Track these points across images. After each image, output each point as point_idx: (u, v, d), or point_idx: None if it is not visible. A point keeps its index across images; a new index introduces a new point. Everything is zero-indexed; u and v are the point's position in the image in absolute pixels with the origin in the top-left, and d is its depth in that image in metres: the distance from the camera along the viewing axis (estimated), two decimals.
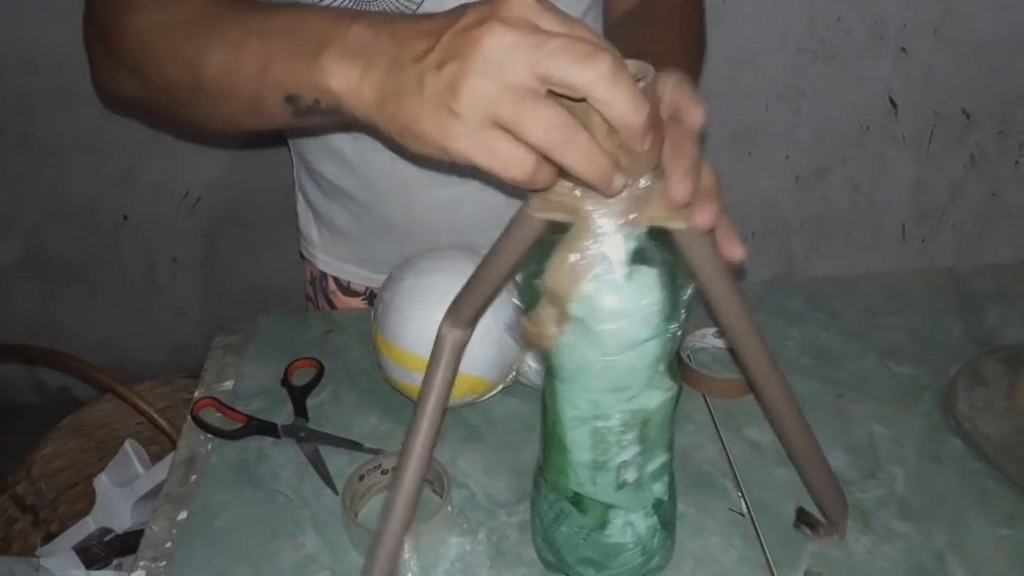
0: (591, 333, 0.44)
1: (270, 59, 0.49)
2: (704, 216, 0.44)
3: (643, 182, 0.42)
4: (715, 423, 0.73)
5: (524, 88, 0.38)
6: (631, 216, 0.42)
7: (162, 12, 0.58)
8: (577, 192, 0.42)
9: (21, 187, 1.74)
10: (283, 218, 1.47)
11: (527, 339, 0.47)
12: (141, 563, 0.64)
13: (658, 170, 0.43)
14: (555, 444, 0.51)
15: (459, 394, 0.71)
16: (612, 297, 0.44)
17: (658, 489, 0.53)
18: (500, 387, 0.74)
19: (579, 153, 0.39)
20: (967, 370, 0.74)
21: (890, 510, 0.64)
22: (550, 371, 0.49)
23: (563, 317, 0.44)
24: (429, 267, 0.71)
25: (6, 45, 1.57)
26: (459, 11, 0.41)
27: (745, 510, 0.64)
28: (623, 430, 0.48)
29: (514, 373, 0.73)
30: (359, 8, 0.63)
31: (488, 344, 0.69)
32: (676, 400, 0.51)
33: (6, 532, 1.03)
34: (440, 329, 0.51)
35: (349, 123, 0.48)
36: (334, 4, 0.63)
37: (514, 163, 0.40)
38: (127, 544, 1.01)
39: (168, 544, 0.66)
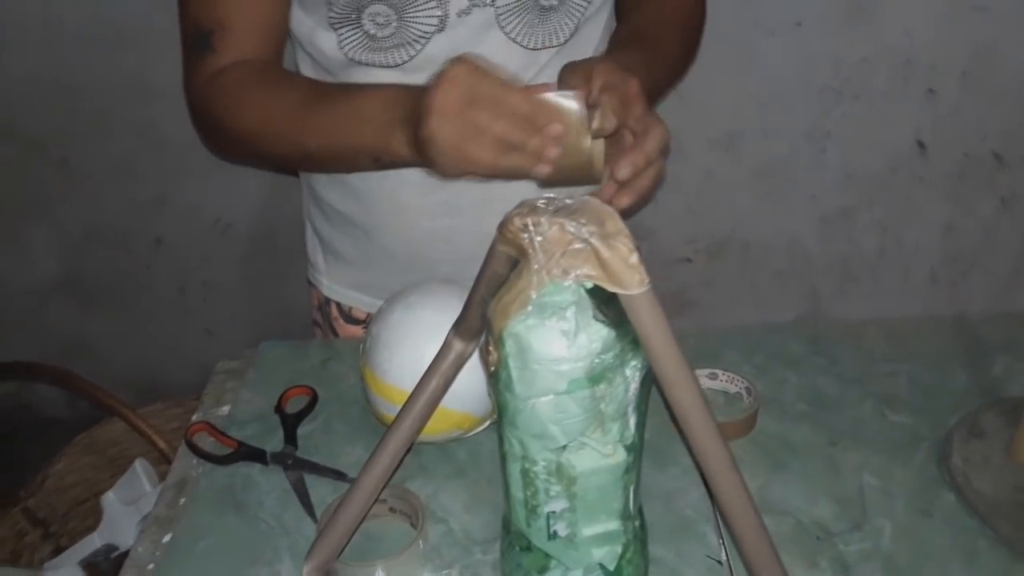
0: (513, 373, 0.45)
1: (356, 138, 0.72)
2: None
3: (584, 238, 0.42)
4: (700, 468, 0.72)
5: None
6: (566, 269, 0.42)
7: (264, 110, 0.76)
8: (525, 236, 0.43)
9: (59, 210, 1.80)
10: None
11: (480, 357, 0.48)
12: None
13: (602, 229, 0.43)
14: (503, 475, 0.51)
15: (445, 429, 0.71)
16: (533, 341, 0.44)
17: (601, 555, 0.52)
18: (487, 423, 0.74)
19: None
20: (965, 422, 0.72)
21: (874, 564, 0.62)
22: (494, 402, 0.50)
23: (497, 346, 0.45)
24: (417, 302, 0.72)
25: (49, 73, 1.63)
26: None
27: (724, 558, 0.63)
28: (548, 479, 0.48)
29: None
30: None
31: (473, 379, 0.69)
32: (628, 471, 0.50)
33: (16, 545, 1.05)
34: (447, 339, 0.54)
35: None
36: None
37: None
38: None
39: (151, 566, 0.67)
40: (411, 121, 0.66)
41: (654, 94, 0.73)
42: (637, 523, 0.54)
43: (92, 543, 1.05)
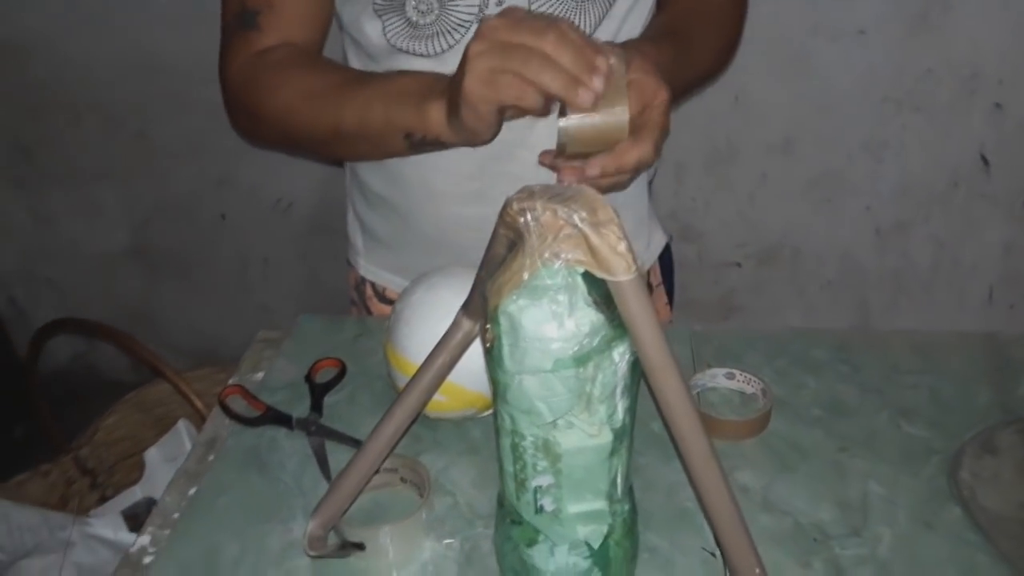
0: (505, 349, 0.47)
1: (391, 112, 0.74)
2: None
3: (575, 224, 0.44)
4: (679, 453, 0.73)
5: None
6: (558, 253, 0.44)
7: (304, 87, 0.78)
8: (521, 219, 0.45)
9: (133, 182, 1.89)
10: None
11: (480, 337, 0.50)
12: (149, 528, 0.70)
13: (593, 217, 0.45)
14: (496, 448, 0.54)
15: (459, 407, 0.74)
16: (524, 320, 0.46)
17: (586, 533, 0.53)
18: None
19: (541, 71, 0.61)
20: (980, 437, 0.72)
21: (867, 570, 0.62)
22: (489, 377, 0.52)
23: (492, 324, 0.47)
24: (439, 282, 0.74)
25: (128, 51, 1.72)
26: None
27: (718, 551, 0.64)
28: (535, 454, 0.50)
29: None
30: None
31: None
32: (614, 453, 0.52)
33: (65, 491, 1.13)
34: (457, 318, 0.57)
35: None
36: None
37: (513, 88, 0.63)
38: None
39: (175, 515, 0.71)
40: (448, 89, 0.67)
41: (678, 91, 0.73)
42: (626, 507, 0.56)
43: (134, 495, 1.12)
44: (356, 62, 0.87)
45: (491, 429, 0.76)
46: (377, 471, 0.60)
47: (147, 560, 0.67)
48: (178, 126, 1.81)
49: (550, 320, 0.47)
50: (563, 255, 0.45)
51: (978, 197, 1.60)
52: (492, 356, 0.49)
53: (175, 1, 1.66)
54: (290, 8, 0.81)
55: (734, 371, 0.81)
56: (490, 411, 0.76)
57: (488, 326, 0.49)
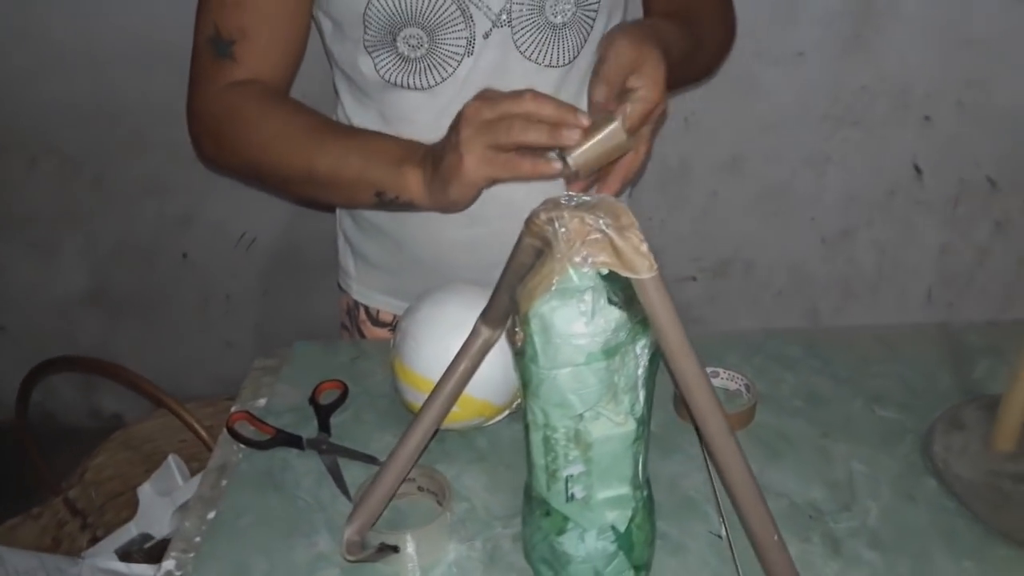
0: (538, 347, 0.51)
1: (367, 168, 0.78)
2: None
3: (601, 229, 0.49)
4: (704, 455, 0.78)
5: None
6: (586, 256, 0.49)
7: (275, 125, 0.81)
8: (549, 228, 0.50)
9: (91, 225, 1.88)
10: (331, 262, 1.57)
11: (507, 337, 0.54)
12: (172, 554, 0.72)
13: (617, 222, 0.50)
14: (526, 444, 0.58)
15: (468, 416, 0.78)
16: (556, 320, 0.51)
17: (613, 518, 0.58)
18: (506, 412, 0.80)
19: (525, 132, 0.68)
20: (947, 415, 0.78)
21: (861, 540, 0.68)
22: (519, 376, 0.56)
23: (523, 326, 0.51)
24: (444, 299, 0.78)
25: (88, 96, 1.72)
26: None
27: (724, 533, 0.69)
28: (567, 445, 0.55)
29: (519, 400, 0.80)
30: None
31: (494, 369, 0.75)
32: (637, 440, 0.56)
33: (57, 533, 1.12)
34: (475, 326, 0.61)
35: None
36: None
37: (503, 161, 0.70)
38: (165, 551, 1.08)
39: (197, 539, 0.73)
40: (430, 161, 0.73)
41: (679, 80, 0.79)
42: (645, 492, 0.61)
43: (128, 532, 1.12)
44: (349, 97, 0.90)
45: (496, 439, 0.81)
46: (408, 475, 0.63)
47: None
48: (137, 168, 1.81)
49: (579, 318, 0.51)
50: (590, 258, 0.50)
51: (914, 204, 1.71)
52: (524, 355, 0.54)
53: (131, 44, 1.67)
54: (265, 39, 0.82)
55: (718, 370, 0.87)
56: (496, 420, 0.80)
57: (518, 329, 0.53)
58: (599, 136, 0.70)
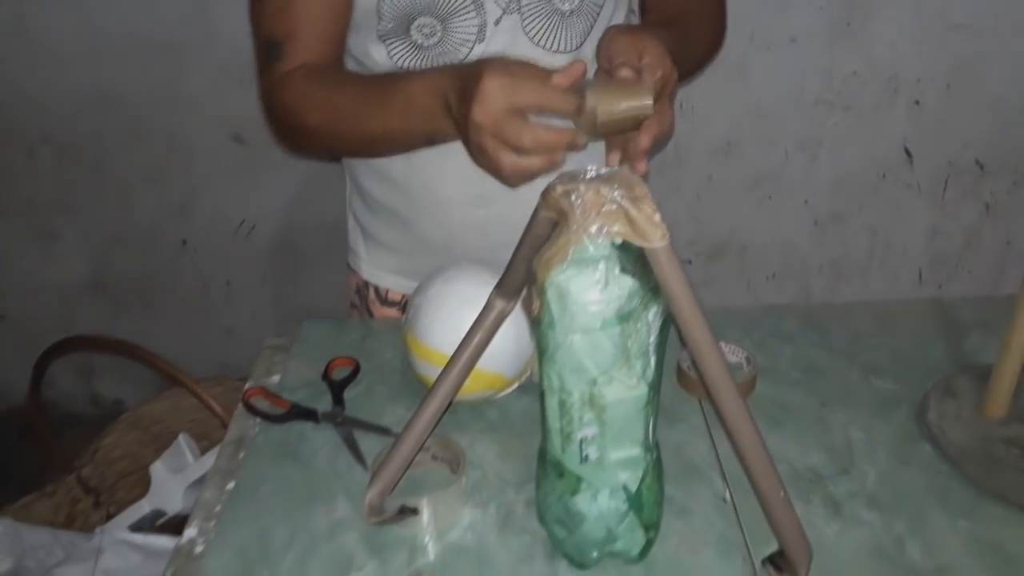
0: (555, 314, 0.54)
1: (414, 126, 0.81)
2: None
3: (616, 200, 0.52)
4: (707, 424, 0.81)
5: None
6: (601, 227, 0.52)
7: (327, 107, 0.85)
8: (565, 200, 0.52)
9: (92, 213, 1.89)
10: (330, 249, 1.58)
11: (524, 307, 0.57)
12: (194, 522, 0.74)
13: (631, 193, 0.52)
14: (541, 410, 0.60)
15: (479, 388, 0.80)
16: (572, 288, 0.54)
17: (625, 478, 0.61)
18: (516, 385, 0.83)
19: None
20: (941, 384, 0.81)
21: (859, 502, 0.71)
22: (536, 344, 0.59)
23: (540, 294, 0.54)
24: (455, 275, 0.81)
25: (87, 85, 1.73)
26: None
27: (728, 497, 0.72)
28: (582, 408, 0.57)
29: (529, 372, 0.82)
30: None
31: (505, 342, 0.78)
32: (648, 403, 0.59)
33: (70, 510, 1.14)
34: (490, 298, 0.64)
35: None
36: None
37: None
38: (178, 526, 1.10)
39: (217, 508, 0.75)
40: (454, 109, 0.74)
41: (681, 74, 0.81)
42: (655, 455, 0.63)
43: (141, 509, 1.14)
44: None
45: (506, 410, 0.83)
46: (426, 441, 0.66)
47: (199, 549, 0.71)
48: (136, 157, 1.82)
49: (594, 286, 0.54)
50: (605, 228, 0.52)
51: (904, 187, 1.75)
52: (541, 323, 0.56)
53: (128, 33, 1.68)
54: (309, 34, 0.86)
55: (719, 343, 0.89)
56: (506, 392, 0.83)
57: (535, 298, 0.56)
58: (625, 93, 0.72)
